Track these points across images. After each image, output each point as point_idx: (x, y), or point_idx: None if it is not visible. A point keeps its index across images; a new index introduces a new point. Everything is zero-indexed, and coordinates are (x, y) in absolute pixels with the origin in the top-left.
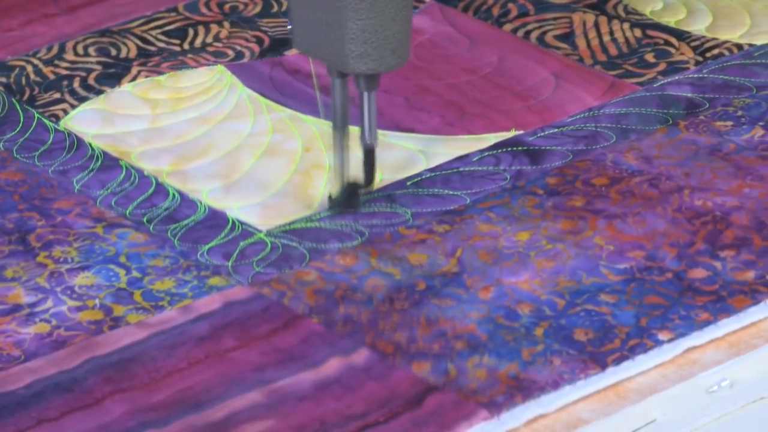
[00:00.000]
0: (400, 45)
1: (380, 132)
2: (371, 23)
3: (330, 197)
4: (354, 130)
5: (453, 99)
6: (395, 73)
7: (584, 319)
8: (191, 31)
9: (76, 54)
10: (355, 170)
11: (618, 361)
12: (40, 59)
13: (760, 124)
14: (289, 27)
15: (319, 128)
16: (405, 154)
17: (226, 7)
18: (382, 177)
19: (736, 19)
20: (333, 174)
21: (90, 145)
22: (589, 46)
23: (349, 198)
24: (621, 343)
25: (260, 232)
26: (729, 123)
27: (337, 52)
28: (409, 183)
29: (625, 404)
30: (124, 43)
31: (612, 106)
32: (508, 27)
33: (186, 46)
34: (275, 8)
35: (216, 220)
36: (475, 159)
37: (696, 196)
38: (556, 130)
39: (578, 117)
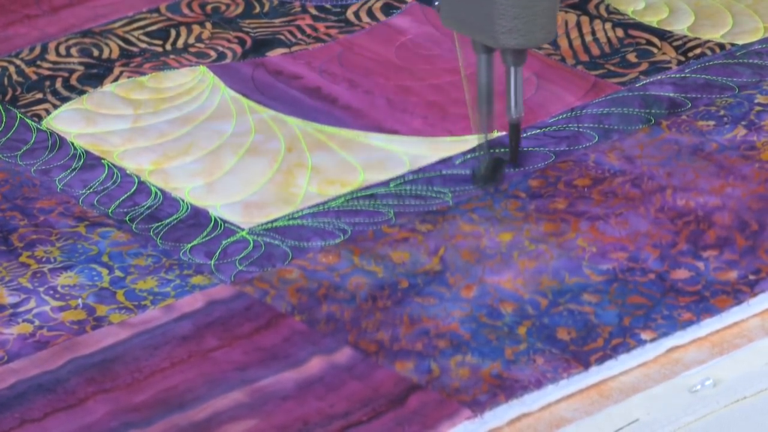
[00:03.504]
0: (548, 20)
1: (361, 133)
2: None
3: (474, 171)
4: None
5: (435, 100)
6: (377, 74)
7: (567, 318)
8: (173, 32)
9: (59, 54)
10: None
11: (601, 361)
12: (22, 60)
13: (743, 123)
14: (437, 3)
15: (301, 129)
16: (387, 156)
17: (208, 8)
18: (364, 178)
19: (718, 19)
20: (479, 149)
21: (72, 144)
22: (571, 46)
23: (494, 172)
24: (604, 342)
25: (243, 230)
26: (711, 123)
27: (486, 27)
28: (392, 185)
29: (608, 403)
30: (107, 44)
31: (594, 106)
32: None
33: (168, 46)
34: (257, 9)
35: (198, 218)
36: (458, 162)
37: (678, 196)
38: (538, 130)
39: (560, 117)
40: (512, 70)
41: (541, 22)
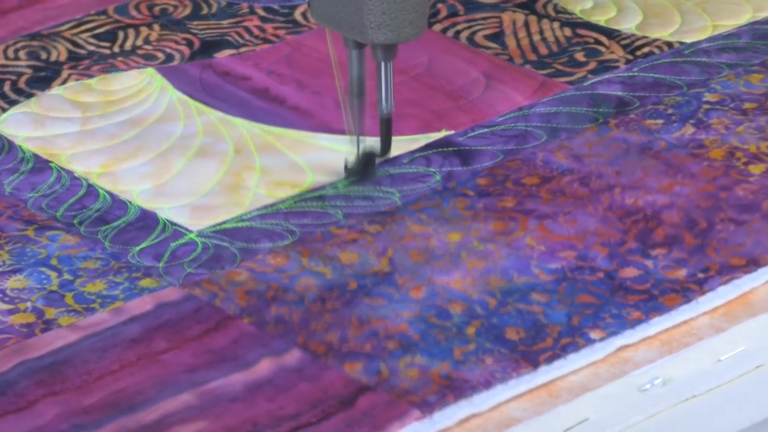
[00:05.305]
0: (417, 16)
1: (311, 134)
2: None
3: (346, 166)
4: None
5: None
6: (326, 73)
7: (516, 318)
8: (121, 34)
9: (7, 57)
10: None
11: (550, 360)
12: None
13: (691, 122)
14: (306, 0)
15: (249, 130)
16: (335, 156)
17: (156, 9)
18: (312, 179)
19: (666, 17)
20: (350, 143)
21: (20, 147)
22: (519, 45)
23: (366, 166)
24: (553, 342)
25: (191, 232)
26: (659, 121)
27: (355, 23)
28: (340, 185)
29: (557, 403)
30: (55, 47)
31: (542, 106)
32: (437, 27)
33: (116, 49)
34: (205, 10)
35: (147, 221)
36: (405, 161)
37: (627, 195)
38: (486, 129)
39: (508, 116)
40: (382, 65)
41: (410, 18)
